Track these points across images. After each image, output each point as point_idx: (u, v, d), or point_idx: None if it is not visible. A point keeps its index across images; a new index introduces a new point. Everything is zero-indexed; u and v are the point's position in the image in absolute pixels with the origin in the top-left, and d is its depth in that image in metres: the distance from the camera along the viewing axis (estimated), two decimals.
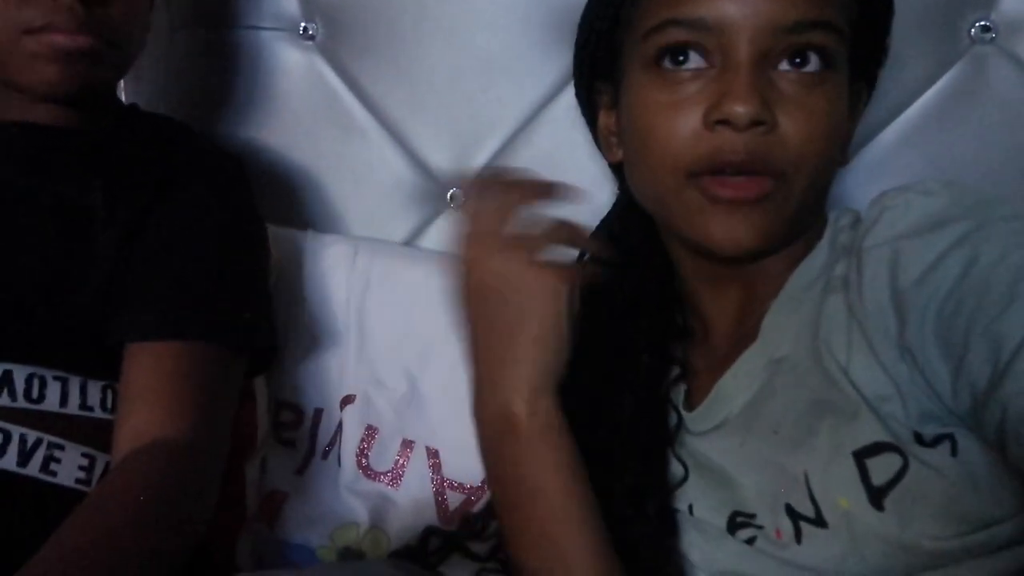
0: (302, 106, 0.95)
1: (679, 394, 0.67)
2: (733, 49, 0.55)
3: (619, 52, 0.63)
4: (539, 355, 0.57)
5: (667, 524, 0.63)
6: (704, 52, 0.57)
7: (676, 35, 0.57)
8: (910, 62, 0.82)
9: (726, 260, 0.60)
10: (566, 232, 0.59)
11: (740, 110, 0.53)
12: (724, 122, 0.55)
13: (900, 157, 0.84)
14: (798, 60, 0.55)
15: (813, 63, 0.56)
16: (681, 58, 0.57)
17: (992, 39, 0.81)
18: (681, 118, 0.57)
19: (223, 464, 0.74)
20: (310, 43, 0.94)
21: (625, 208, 0.72)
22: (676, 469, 0.65)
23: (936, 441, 0.51)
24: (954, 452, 0.51)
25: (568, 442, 0.58)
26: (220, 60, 0.96)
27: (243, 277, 0.78)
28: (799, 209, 0.58)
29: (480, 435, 0.60)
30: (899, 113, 0.84)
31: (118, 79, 0.81)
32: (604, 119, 0.68)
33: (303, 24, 0.94)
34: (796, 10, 0.55)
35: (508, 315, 0.57)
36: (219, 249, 0.76)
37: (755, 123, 0.54)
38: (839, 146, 0.59)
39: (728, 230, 0.57)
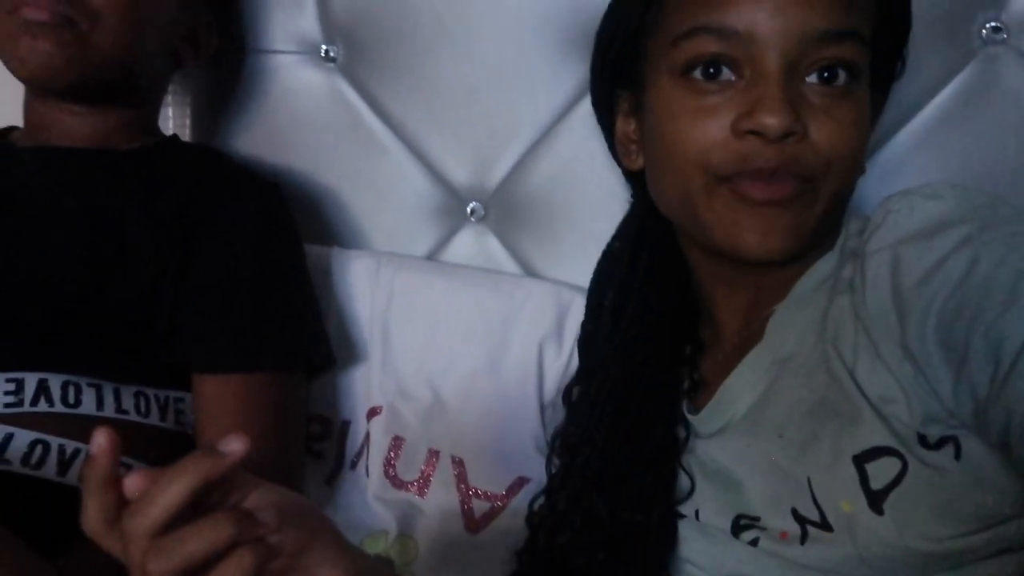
0: (325, 126, 0.97)
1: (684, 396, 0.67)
2: (762, 59, 0.56)
3: (642, 57, 0.63)
4: None
5: (669, 533, 0.63)
6: (734, 65, 0.57)
7: (706, 45, 0.57)
8: (922, 64, 0.82)
9: (751, 264, 0.60)
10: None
11: (773, 122, 0.54)
12: (755, 132, 0.55)
13: (914, 160, 0.84)
14: (827, 75, 0.56)
15: (841, 78, 0.56)
16: (712, 71, 0.57)
17: (1004, 39, 0.81)
18: (710, 124, 0.57)
19: (300, 479, 0.79)
20: (331, 65, 0.96)
21: (642, 216, 0.72)
22: (684, 482, 0.65)
23: (940, 443, 0.51)
24: (958, 455, 0.51)
25: None
26: (245, 84, 0.99)
27: (296, 299, 0.81)
28: (825, 215, 0.58)
29: None
30: (912, 115, 0.84)
31: (119, 66, 0.79)
32: (622, 126, 0.68)
33: (324, 47, 0.96)
34: (824, 19, 0.55)
35: None
36: (270, 275, 0.79)
37: (787, 134, 0.55)
38: (864, 154, 0.60)
39: (760, 234, 0.57)
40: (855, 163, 0.58)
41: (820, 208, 0.58)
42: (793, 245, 0.58)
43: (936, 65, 0.83)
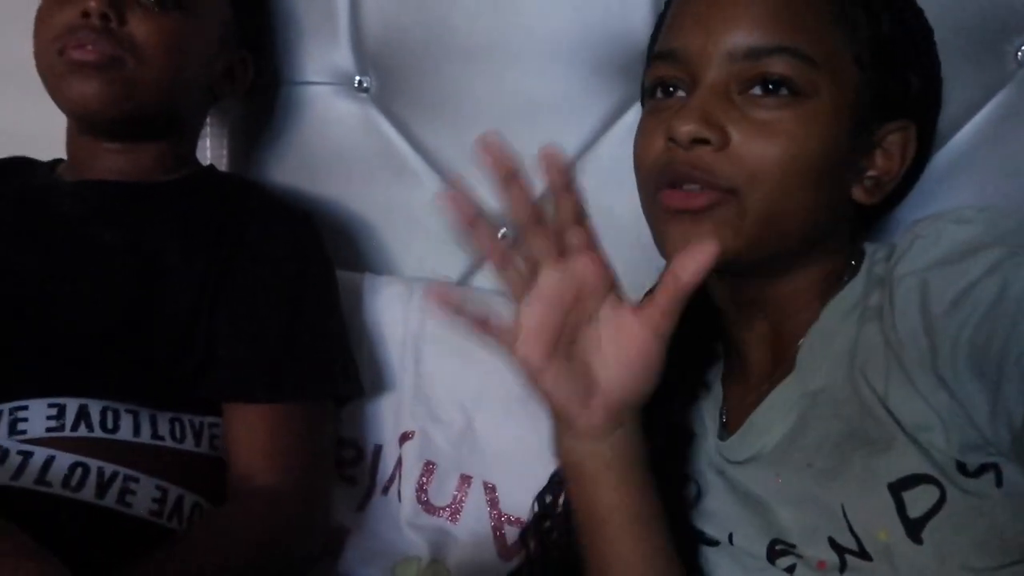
0: (358, 155, 0.99)
1: (714, 420, 0.67)
2: (697, 76, 0.59)
3: None
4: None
5: (679, 540, 0.63)
6: (683, 84, 0.60)
7: (661, 67, 0.61)
8: (957, 88, 0.81)
9: (721, 279, 0.62)
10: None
11: (682, 128, 0.57)
12: (673, 139, 0.58)
13: (949, 184, 0.83)
14: (771, 87, 0.57)
15: (782, 91, 0.57)
16: (671, 89, 0.61)
17: None
18: (653, 138, 0.61)
19: (328, 506, 0.81)
20: (365, 96, 0.98)
21: None
22: (691, 489, 0.66)
23: (980, 471, 0.51)
24: (999, 482, 0.50)
25: (631, 481, 0.58)
26: (280, 115, 1.01)
27: (327, 330, 0.83)
28: (768, 227, 0.58)
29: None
30: (947, 139, 0.83)
31: (162, 101, 0.82)
32: None
33: (358, 78, 0.98)
34: (752, 37, 0.57)
35: None
36: (301, 307, 0.81)
37: (697, 141, 0.57)
38: (822, 171, 0.58)
39: (680, 241, 0.58)
40: (797, 175, 0.57)
41: (750, 220, 0.57)
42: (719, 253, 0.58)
43: (971, 88, 0.82)
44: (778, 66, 0.57)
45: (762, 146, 0.56)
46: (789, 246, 0.60)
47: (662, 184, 0.60)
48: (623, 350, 0.54)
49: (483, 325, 0.55)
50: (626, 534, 0.58)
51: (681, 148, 0.57)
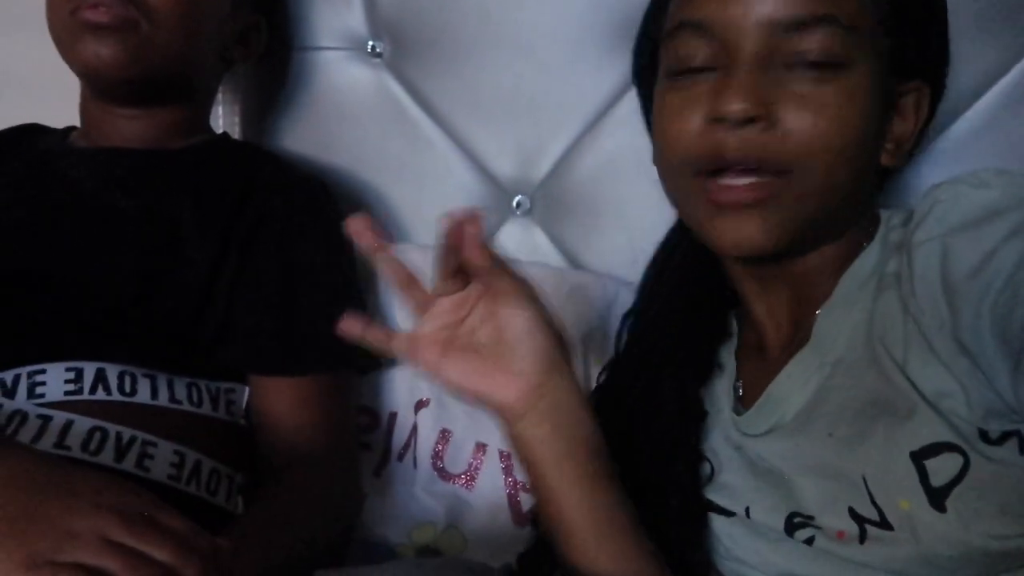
0: (371, 121, 0.98)
1: (729, 395, 0.67)
2: (734, 48, 0.56)
3: (657, 63, 0.65)
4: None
5: (691, 519, 0.63)
6: (714, 57, 0.57)
7: (687, 40, 0.58)
8: (984, 50, 0.80)
9: (754, 261, 0.60)
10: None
11: (733, 107, 0.54)
12: (721, 119, 0.55)
13: (974, 148, 0.82)
14: (815, 60, 0.55)
15: (825, 64, 0.55)
16: (697, 65, 0.58)
17: None
18: (687, 118, 0.58)
19: (355, 473, 0.82)
20: (378, 60, 0.97)
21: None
22: (705, 468, 0.65)
23: (1003, 438, 0.50)
24: (1022, 449, 0.50)
25: (574, 458, 0.58)
26: (293, 81, 1.00)
27: (348, 300, 0.82)
28: (819, 206, 0.57)
29: None
30: (971, 104, 0.82)
31: (176, 64, 0.81)
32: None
33: (371, 42, 0.97)
34: (793, 6, 0.55)
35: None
36: (323, 277, 0.81)
37: (749, 119, 0.54)
38: (863, 142, 0.57)
39: (735, 233, 0.57)
40: (845, 150, 0.56)
41: (809, 202, 0.56)
42: (774, 241, 0.57)
43: (996, 53, 0.81)
44: (822, 37, 0.54)
45: (811, 122, 0.54)
46: (827, 222, 0.59)
47: (705, 169, 0.57)
48: (501, 330, 0.57)
49: (407, 281, 0.60)
50: (579, 512, 0.57)
51: (731, 128, 0.55)
